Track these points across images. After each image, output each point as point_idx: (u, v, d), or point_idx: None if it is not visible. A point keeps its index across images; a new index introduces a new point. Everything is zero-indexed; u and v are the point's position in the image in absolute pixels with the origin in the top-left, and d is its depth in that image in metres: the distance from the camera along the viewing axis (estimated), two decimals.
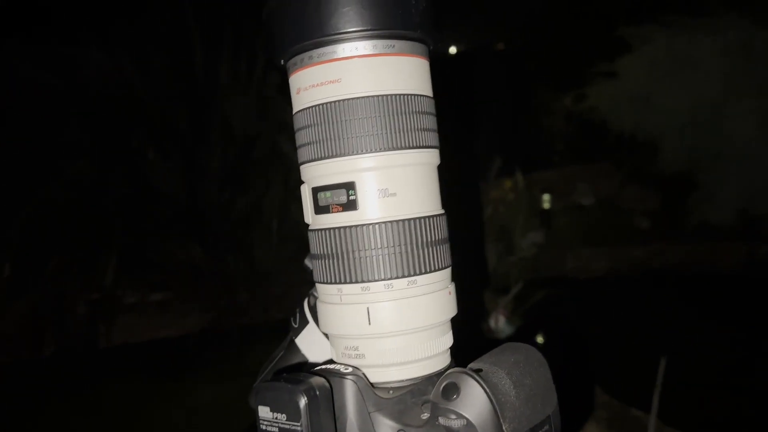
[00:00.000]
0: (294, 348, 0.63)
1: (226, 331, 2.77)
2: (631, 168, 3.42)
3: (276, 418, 0.41)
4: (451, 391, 0.42)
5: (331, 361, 0.50)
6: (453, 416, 0.41)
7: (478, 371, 0.43)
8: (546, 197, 3.29)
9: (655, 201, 3.37)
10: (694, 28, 2.95)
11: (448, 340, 0.50)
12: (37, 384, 2.42)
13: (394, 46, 0.45)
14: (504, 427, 0.41)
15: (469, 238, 2.67)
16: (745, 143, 2.93)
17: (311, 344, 0.61)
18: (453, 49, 5.10)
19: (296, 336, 0.63)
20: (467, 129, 3.66)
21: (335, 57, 0.45)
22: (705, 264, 3.02)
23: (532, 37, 3.73)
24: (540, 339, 2.63)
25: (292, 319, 0.64)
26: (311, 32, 0.45)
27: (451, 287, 0.50)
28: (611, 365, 2.26)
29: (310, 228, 0.49)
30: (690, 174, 3.07)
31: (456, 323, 0.51)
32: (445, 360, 0.50)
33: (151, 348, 2.77)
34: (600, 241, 3.32)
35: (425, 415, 0.44)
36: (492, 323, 2.45)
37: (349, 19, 0.44)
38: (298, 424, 0.40)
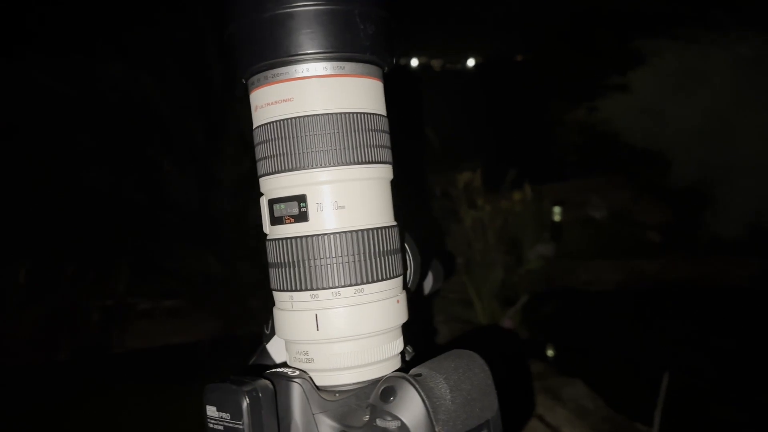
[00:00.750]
0: (265, 354, 0.66)
1: (236, 337, 2.80)
2: (644, 181, 3.40)
3: (221, 417, 0.43)
4: (388, 394, 0.44)
5: (285, 365, 0.52)
6: (389, 418, 0.43)
7: (417, 376, 0.46)
8: (557, 209, 3.29)
9: (667, 214, 3.35)
10: (705, 42, 2.94)
11: (396, 346, 0.52)
12: (52, 387, 2.46)
13: (344, 67, 0.48)
14: (437, 429, 0.43)
15: (477, 250, 2.69)
16: (756, 157, 2.91)
17: (280, 350, 0.64)
18: (471, 62, 5.14)
19: (267, 342, 0.66)
20: (480, 140, 3.68)
21: (288, 77, 0.48)
22: (716, 278, 3.00)
23: (544, 49, 3.74)
24: (550, 352, 2.63)
25: (265, 326, 0.67)
26: (265, 54, 0.48)
27: (401, 296, 0.52)
28: (618, 378, 2.25)
29: (267, 238, 0.52)
30: (702, 187, 3.05)
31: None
32: (394, 365, 0.52)
33: (164, 353, 2.81)
34: (611, 254, 3.30)
35: (367, 417, 0.46)
36: None
37: (300, 42, 0.47)
38: (241, 423, 0.42)
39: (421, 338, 0.60)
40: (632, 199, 3.47)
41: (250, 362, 0.68)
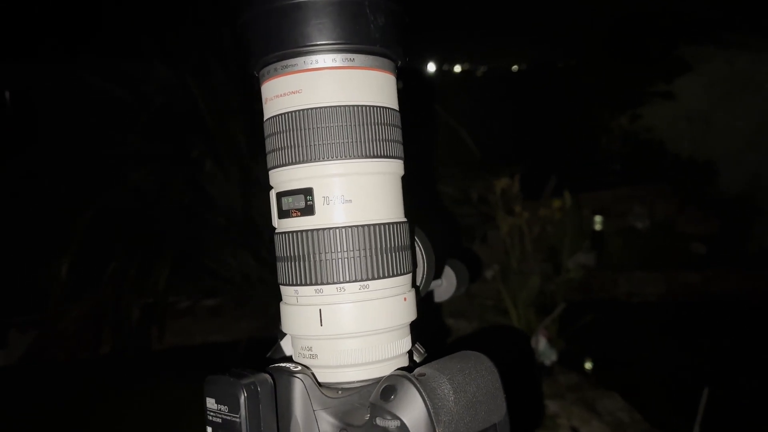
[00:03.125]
0: (279, 350, 0.66)
1: (273, 337, 2.81)
2: (689, 191, 3.31)
3: (220, 410, 0.43)
4: (389, 392, 0.43)
5: (291, 360, 0.52)
6: (389, 417, 0.42)
7: (420, 375, 0.44)
8: (598, 218, 3.23)
9: (713, 225, 3.26)
10: (756, 48, 2.85)
11: (403, 344, 0.51)
12: (94, 382, 2.51)
13: (353, 59, 0.47)
14: (437, 431, 0.42)
15: (514, 257, 2.65)
16: None
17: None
18: (515, 67, 5.10)
19: (281, 339, 0.65)
20: (520, 146, 3.64)
21: (296, 69, 0.47)
22: (763, 292, 2.90)
23: (588, 55, 3.68)
24: (588, 365, 2.58)
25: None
26: (273, 46, 0.47)
27: (409, 294, 0.51)
28: (656, 392, 2.20)
29: (275, 232, 0.51)
30: (750, 198, 2.95)
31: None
32: (400, 364, 0.51)
33: (202, 351, 2.85)
34: (653, 266, 3.22)
35: (368, 416, 0.45)
36: (533, 344, 2.41)
37: (308, 33, 0.46)
38: (237, 416, 0.42)
39: (433, 338, 0.59)
40: (677, 209, 3.38)
41: (266, 356, 0.67)
